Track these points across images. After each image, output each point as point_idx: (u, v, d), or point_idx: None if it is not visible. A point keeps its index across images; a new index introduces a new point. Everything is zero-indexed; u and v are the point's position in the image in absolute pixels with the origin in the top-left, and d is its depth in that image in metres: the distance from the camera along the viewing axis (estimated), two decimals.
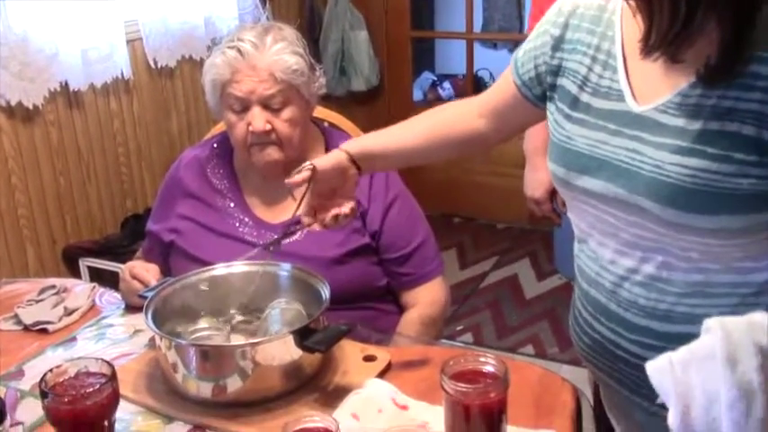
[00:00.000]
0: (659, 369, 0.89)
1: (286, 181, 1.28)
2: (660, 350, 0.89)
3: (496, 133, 1.30)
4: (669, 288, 1.03)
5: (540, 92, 1.19)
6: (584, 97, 1.09)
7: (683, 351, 0.87)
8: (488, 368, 1.10)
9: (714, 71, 0.94)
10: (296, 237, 1.54)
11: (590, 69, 1.09)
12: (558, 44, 1.14)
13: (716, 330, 0.86)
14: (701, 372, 0.85)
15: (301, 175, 1.26)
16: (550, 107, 1.16)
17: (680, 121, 0.97)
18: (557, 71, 1.14)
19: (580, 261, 1.17)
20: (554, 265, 3.71)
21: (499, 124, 1.29)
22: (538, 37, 1.18)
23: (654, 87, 1.01)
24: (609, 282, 1.09)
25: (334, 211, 1.28)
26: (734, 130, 0.94)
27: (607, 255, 1.09)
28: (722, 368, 0.83)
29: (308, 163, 1.27)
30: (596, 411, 1.30)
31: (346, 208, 1.29)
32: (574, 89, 1.11)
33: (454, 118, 1.32)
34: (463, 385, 1.05)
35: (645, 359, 1.02)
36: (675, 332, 1.02)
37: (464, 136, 1.31)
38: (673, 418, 0.86)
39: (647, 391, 0.92)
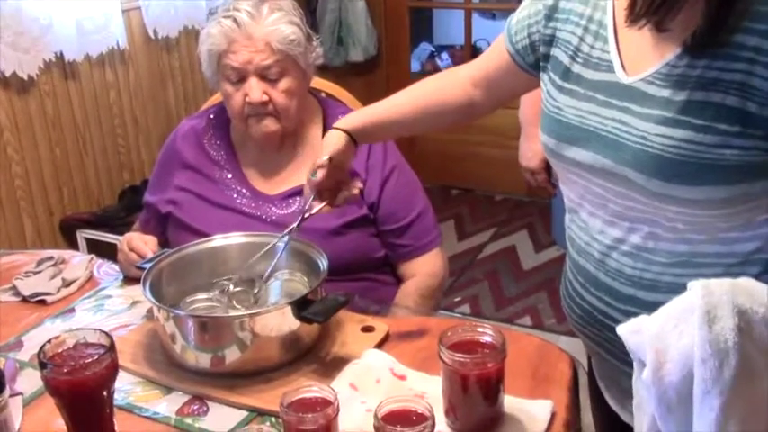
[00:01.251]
0: (633, 330, 0.91)
1: (311, 185, 1.31)
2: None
3: (488, 101, 1.31)
4: (655, 258, 1.04)
5: (533, 60, 1.19)
6: (576, 68, 1.09)
7: (660, 311, 0.90)
8: (486, 338, 1.11)
9: (699, 41, 0.94)
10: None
11: (582, 40, 1.09)
12: (551, 13, 1.14)
13: (697, 288, 0.87)
14: (677, 327, 0.87)
15: (322, 171, 1.28)
16: (543, 77, 1.17)
17: (666, 92, 0.98)
18: (550, 41, 1.14)
19: (571, 231, 1.18)
20: (552, 236, 3.72)
21: (491, 92, 1.30)
22: (532, 5, 1.18)
23: (642, 58, 1.01)
24: (597, 251, 1.10)
25: (344, 194, 1.32)
26: (718, 100, 0.94)
27: (597, 225, 1.10)
28: (698, 324, 0.85)
29: (324, 158, 1.28)
30: (590, 381, 1.32)
31: (355, 189, 1.33)
32: (566, 60, 1.11)
33: (446, 87, 1.33)
34: (461, 355, 1.05)
35: None
36: (661, 301, 1.02)
37: (456, 105, 1.32)
38: (647, 373, 0.87)
39: (631, 359, 0.93)
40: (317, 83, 1.84)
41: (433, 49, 4.78)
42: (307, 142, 1.68)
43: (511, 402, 1.12)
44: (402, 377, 1.22)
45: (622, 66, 1.04)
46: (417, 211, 1.67)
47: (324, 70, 1.90)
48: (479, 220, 3.98)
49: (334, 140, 1.31)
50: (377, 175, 1.64)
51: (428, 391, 1.16)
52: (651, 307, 1.03)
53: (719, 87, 0.94)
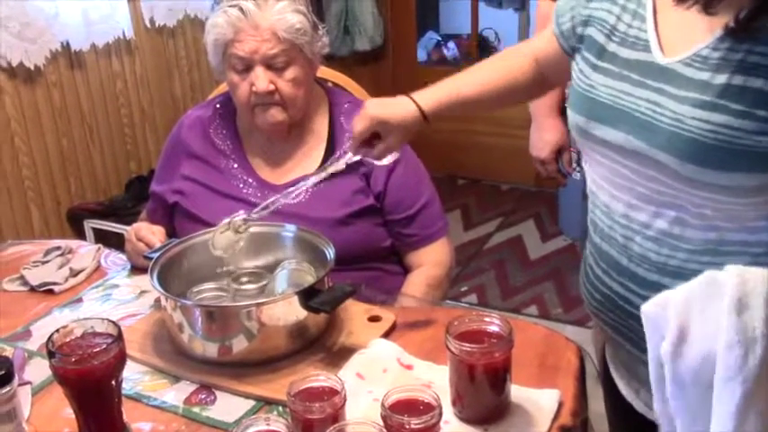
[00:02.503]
0: (658, 304, 0.89)
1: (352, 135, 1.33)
2: None
3: (554, 78, 1.32)
4: (681, 244, 1.03)
5: (574, 43, 1.18)
6: (611, 47, 1.08)
7: (687, 286, 0.88)
8: (493, 328, 1.11)
9: (744, 24, 0.93)
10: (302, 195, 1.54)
11: (619, 18, 1.08)
12: None
13: (732, 274, 0.86)
14: (703, 311, 0.85)
15: (361, 123, 1.30)
16: (576, 57, 1.16)
17: (704, 75, 0.96)
18: (586, 21, 1.14)
19: (593, 215, 1.16)
20: (558, 226, 3.71)
21: (550, 72, 1.30)
22: None
23: (682, 40, 1.00)
24: (621, 236, 1.09)
25: (380, 146, 1.32)
26: (758, 86, 0.93)
27: (620, 208, 1.08)
28: (728, 310, 0.84)
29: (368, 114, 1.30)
30: (603, 370, 1.31)
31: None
32: (601, 38, 1.10)
33: (516, 64, 1.32)
34: (468, 345, 1.05)
35: None
36: None
37: (528, 80, 1.31)
38: (667, 346, 0.86)
39: None
40: (324, 72, 1.84)
41: (440, 38, 4.76)
42: (313, 132, 1.68)
43: (518, 392, 1.12)
44: (409, 367, 1.22)
45: (660, 46, 1.02)
46: (424, 200, 1.67)
47: (330, 60, 1.90)
48: (486, 209, 3.97)
49: (403, 109, 1.30)
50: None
51: (435, 380, 1.16)
52: None
53: (760, 72, 0.93)
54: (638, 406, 1.18)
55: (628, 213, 1.07)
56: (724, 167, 0.95)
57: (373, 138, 1.32)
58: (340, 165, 1.36)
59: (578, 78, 1.13)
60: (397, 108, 1.30)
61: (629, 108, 1.03)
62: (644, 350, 1.08)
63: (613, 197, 1.09)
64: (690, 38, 0.99)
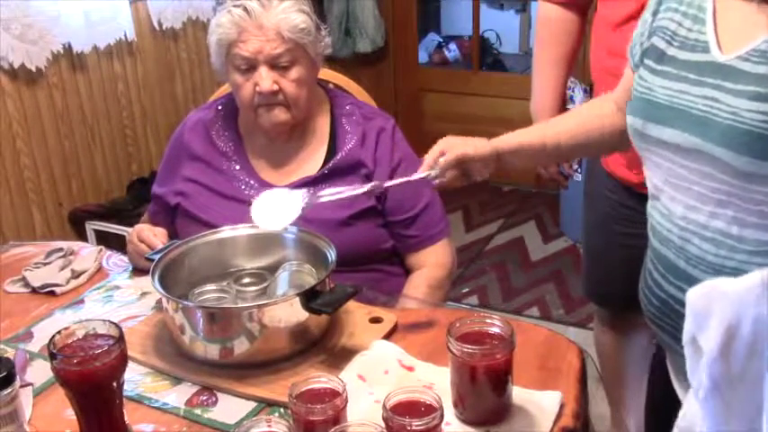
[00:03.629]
0: (706, 294, 0.87)
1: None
2: None
3: None
4: (740, 245, 1.02)
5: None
6: (671, 51, 1.10)
7: (741, 283, 0.86)
8: (494, 329, 1.11)
9: None
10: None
11: (680, 24, 1.10)
12: (657, 8, 1.15)
13: None
14: (758, 305, 0.83)
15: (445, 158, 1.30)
16: (639, 68, 1.17)
17: (761, 69, 0.97)
18: (651, 33, 1.15)
19: (652, 219, 1.16)
20: (560, 227, 3.71)
21: None
22: (641, 24, 1.19)
23: (740, 37, 1.01)
24: (678, 237, 1.08)
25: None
26: None
27: (678, 210, 1.08)
28: None
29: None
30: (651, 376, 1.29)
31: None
32: (662, 44, 1.11)
33: (598, 114, 1.33)
34: (469, 346, 1.05)
35: None
36: None
37: (609, 130, 1.31)
38: (713, 343, 0.84)
39: None
40: (325, 74, 1.84)
41: (441, 40, 4.76)
42: (314, 133, 1.68)
43: (519, 393, 1.12)
44: (410, 368, 1.22)
45: (718, 46, 1.03)
46: (425, 202, 1.67)
47: (331, 61, 1.90)
48: (487, 211, 3.97)
49: (482, 148, 1.31)
50: (385, 166, 1.64)
51: (436, 382, 1.16)
52: None
53: None
54: None
55: (686, 215, 1.07)
56: None
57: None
58: (415, 176, 1.35)
59: (637, 84, 1.14)
60: (478, 147, 1.32)
61: (686, 106, 1.04)
62: None
63: (672, 199, 1.09)
64: (748, 34, 1.00)
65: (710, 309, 0.86)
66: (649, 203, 1.17)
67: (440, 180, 1.32)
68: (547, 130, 1.35)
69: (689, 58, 1.07)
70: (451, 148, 1.31)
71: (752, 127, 0.96)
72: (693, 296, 0.89)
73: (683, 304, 1.05)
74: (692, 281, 1.04)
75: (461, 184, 1.33)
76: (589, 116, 1.34)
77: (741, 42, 1.00)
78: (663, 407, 1.28)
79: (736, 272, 1.00)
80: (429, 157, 1.32)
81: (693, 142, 1.02)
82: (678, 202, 1.08)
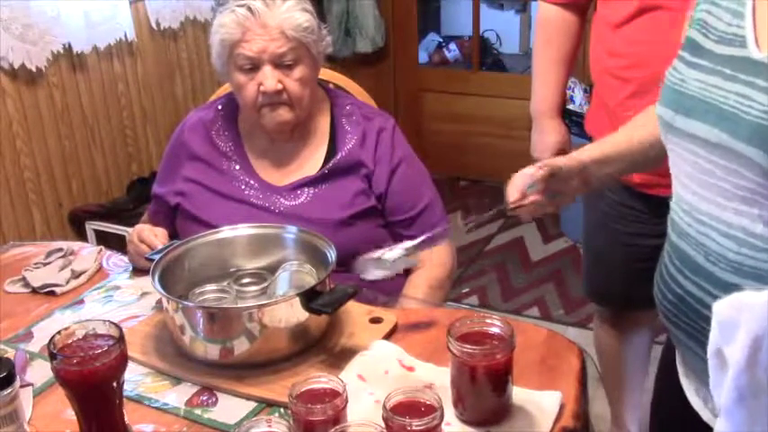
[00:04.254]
0: (733, 306, 0.85)
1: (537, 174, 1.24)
2: None
3: None
4: (763, 244, 0.99)
5: None
6: (708, 44, 1.07)
7: (766, 295, 0.84)
8: (495, 330, 1.11)
9: None
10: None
11: (718, 18, 1.07)
12: (697, 5, 1.13)
13: None
14: None
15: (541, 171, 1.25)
16: (674, 61, 1.14)
17: None
18: (690, 26, 1.12)
19: (674, 214, 1.13)
20: (560, 227, 3.71)
21: None
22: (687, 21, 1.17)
23: None
24: (698, 232, 1.06)
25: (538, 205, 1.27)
26: None
27: (702, 206, 1.06)
28: None
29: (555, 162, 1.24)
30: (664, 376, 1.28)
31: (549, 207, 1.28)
32: (699, 37, 1.09)
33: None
34: (469, 347, 1.05)
35: None
36: None
37: None
38: (739, 354, 0.82)
39: None
40: (325, 74, 1.84)
41: (441, 40, 4.76)
42: (315, 133, 1.68)
43: (519, 394, 1.12)
44: (410, 368, 1.22)
45: (756, 42, 1.01)
46: (425, 201, 1.67)
47: (331, 61, 1.90)
48: (487, 211, 3.96)
49: (565, 158, 1.28)
50: (385, 165, 1.64)
51: (436, 382, 1.16)
52: None
53: None
54: (706, 416, 1.14)
55: (709, 210, 1.05)
56: None
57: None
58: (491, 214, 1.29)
59: (671, 75, 1.12)
60: (566, 158, 1.29)
61: (718, 101, 1.02)
62: None
63: (696, 194, 1.07)
64: None
65: (738, 320, 0.84)
66: (673, 199, 1.15)
67: (529, 205, 1.25)
68: (634, 132, 1.30)
69: (725, 52, 1.04)
70: (539, 164, 1.25)
71: None
72: (720, 308, 0.87)
73: (701, 302, 1.06)
74: (712, 278, 1.04)
75: (547, 211, 1.28)
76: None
77: None
78: (669, 406, 1.26)
79: (755, 270, 0.99)
80: (519, 182, 1.26)
81: (722, 138, 1.00)
82: (702, 198, 1.06)
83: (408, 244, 1.28)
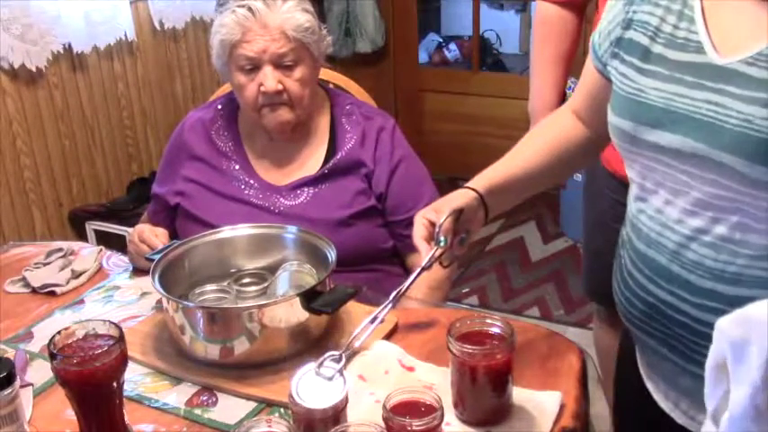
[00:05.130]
0: (741, 323, 0.84)
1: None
2: (724, 314, 0.85)
3: (600, 129, 1.22)
4: (742, 250, 0.99)
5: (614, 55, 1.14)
6: (657, 48, 1.05)
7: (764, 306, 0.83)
8: (495, 330, 1.11)
9: None
10: None
11: (662, 20, 1.05)
12: (630, 2, 1.10)
13: None
14: None
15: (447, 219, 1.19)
16: (614, 62, 1.12)
17: None
18: (626, 24, 1.10)
19: (637, 221, 1.11)
20: (560, 227, 3.71)
21: (597, 120, 1.22)
22: (610, 11, 1.14)
23: (739, 39, 0.97)
24: (672, 242, 1.04)
25: (452, 253, 1.22)
26: None
27: (674, 214, 1.04)
28: None
29: (445, 215, 1.17)
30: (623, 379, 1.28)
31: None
32: (644, 40, 1.06)
33: (561, 132, 1.28)
34: (470, 347, 1.05)
35: (706, 323, 0.98)
36: (743, 296, 0.97)
37: (579, 144, 1.28)
38: (755, 372, 0.81)
39: (700, 357, 0.88)
40: (325, 74, 1.84)
41: (441, 40, 4.76)
42: (315, 133, 1.68)
43: (519, 394, 1.12)
44: (410, 368, 1.22)
45: (713, 46, 0.99)
46: (425, 202, 1.66)
47: (331, 62, 1.90)
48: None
49: (461, 197, 1.23)
50: (385, 165, 1.64)
51: (437, 382, 1.16)
52: (731, 301, 0.97)
53: None
54: (678, 416, 1.14)
55: (683, 219, 1.03)
56: None
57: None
58: (428, 260, 1.17)
59: (621, 83, 1.09)
60: (460, 196, 1.24)
61: (687, 110, 1.00)
62: (692, 360, 1.05)
63: (668, 203, 1.05)
64: (748, 37, 0.96)
65: (748, 338, 0.83)
66: (634, 206, 1.13)
67: (451, 251, 1.20)
68: (518, 162, 1.29)
69: (680, 58, 1.02)
70: (440, 209, 1.19)
71: (767, 136, 0.92)
72: (727, 325, 0.85)
73: (676, 309, 1.05)
74: (688, 286, 1.03)
75: (462, 252, 1.23)
76: (555, 141, 1.28)
77: (742, 45, 0.97)
78: (634, 407, 1.26)
79: (736, 276, 0.99)
80: (421, 232, 1.18)
81: (697, 148, 0.98)
82: (675, 206, 1.04)
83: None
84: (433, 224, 1.18)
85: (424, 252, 1.17)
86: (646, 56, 1.06)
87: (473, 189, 1.24)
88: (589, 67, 1.20)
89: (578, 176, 2.03)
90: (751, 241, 0.98)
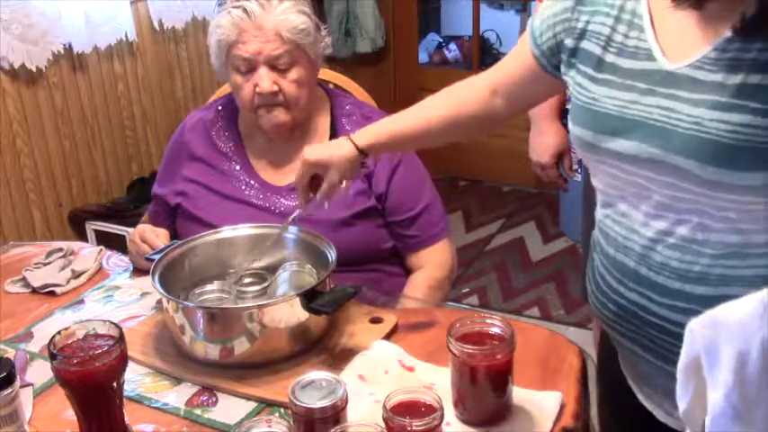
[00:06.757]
0: (710, 325, 0.85)
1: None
2: (693, 313, 0.86)
3: (508, 109, 1.27)
4: (704, 250, 1.01)
5: (557, 61, 1.16)
6: (609, 58, 1.07)
7: (739, 308, 0.84)
8: (495, 330, 1.11)
9: (752, 24, 0.91)
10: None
11: (613, 29, 1.06)
12: (577, 5, 1.11)
13: None
14: (761, 328, 0.82)
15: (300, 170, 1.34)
16: (570, 72, 1.13)
17: (718, 77, 0.95)
18: (579, 35, 1.11)
19: (604, 226, 1.13)
20: (560, 227, 3.71)
21: (512, 100, 1.26)
22: (556, 3, 1.14)
23: (686, 44, 0.99)
24: (639, 245, 1.06)
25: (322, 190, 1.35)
26: None
27: (638, 218, 1.06)
28: None
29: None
30: (607, 378, 1.29)
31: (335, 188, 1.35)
32: (597, 50, 1.08)
33: (465, 98, 1.30)
34: (470, 347, 1.05)
35: (676, 323, 1.01)
36: (710, 294, 0.99)
37: (476, 115, 1.29)
38: (727, 373, 0.82)
39: (674, 357, 0.90)
40: (325, 74, 1.84)
41: (441, 40, 4.76)
42: (315, 133, 1.68)
43: (520, 394, 1.12)
44: (410, 368, 1.22)
45: (663, 53, 1.01)
46: (425, 202, 1.67)
47: (331, 62, 1.90)
48: (487, 211, 3.97)
49: (340, 148, 1.33)
50: (385, 166, 1.64)
51: (437, 382, 1.16)
52: (697, 300, 1.00)
53: None
54: (660, 415, 1.15)
55: (647, 222, 1.05)
56: (746, 167, 0.93)
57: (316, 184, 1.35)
58: (288, 222, 1.40)
59: (578, 93, 1.11)
60: (334, 147, 1.34)
61: (640, 116, 1.01)
62: (666, 359, 1.06)
63: (633, 207, 1.07)
64: (695, 41, 0.98)
65: (718, 339, 0.84)
66: (600, 212, 1.15)
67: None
68: (401, 121, 1.34)
69: (632, 66, 1.04)
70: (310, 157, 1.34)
71: (717, 137, 0.94)
72: (698, 327, 0.86)
73: (646, 310, 1.07)
74: (656, 287, 1.05)
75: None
76: (463, 102, 1.30)
77: (688, 50, 0.98)
78: (619, 404, 1.27)
79: (701, 276, 1.01)
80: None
81: (653, 153, 1.00)
82: (639, 211, 1.06)
83: None
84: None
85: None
86: (599, 65, 1.08)
87: (355, 144, 1.33)
88: (522, 51, 1.21)
89: (578, 177, 2.03)
90: (712, 240, 1.00)
